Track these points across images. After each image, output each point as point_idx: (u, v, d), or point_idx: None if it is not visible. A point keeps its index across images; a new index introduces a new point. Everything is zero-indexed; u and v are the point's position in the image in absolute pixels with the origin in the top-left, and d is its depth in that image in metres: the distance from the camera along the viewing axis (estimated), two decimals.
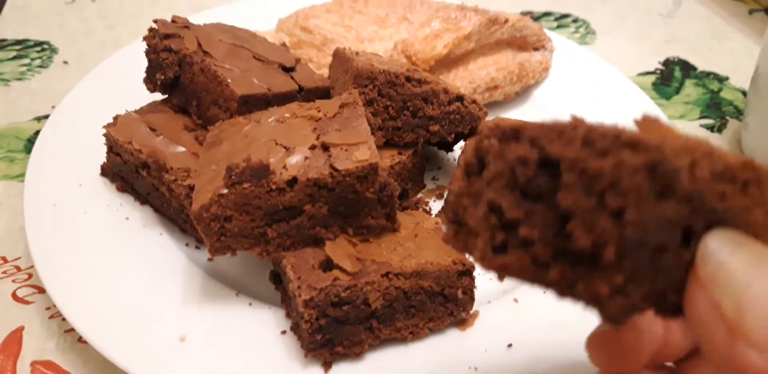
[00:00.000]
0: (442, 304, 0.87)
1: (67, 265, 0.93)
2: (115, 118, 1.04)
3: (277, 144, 0.85)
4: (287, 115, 0.91)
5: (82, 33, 1.60)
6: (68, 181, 1.06)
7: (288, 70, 1.09)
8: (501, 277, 0.48)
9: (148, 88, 1.09)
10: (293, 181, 0.81)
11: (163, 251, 0.98)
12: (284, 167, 0.82)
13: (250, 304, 0.91)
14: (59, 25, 1.63)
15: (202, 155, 0.89)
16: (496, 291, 0.98)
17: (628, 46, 1.64)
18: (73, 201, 1.03)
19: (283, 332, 0.87)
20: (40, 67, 1.48)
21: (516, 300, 0.96)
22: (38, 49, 1.54)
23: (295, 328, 0.86)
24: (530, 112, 1.33)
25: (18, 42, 1.56)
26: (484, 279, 0.97)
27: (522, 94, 1.37)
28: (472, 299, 0.89)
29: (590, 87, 1.35)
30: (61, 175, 1.06)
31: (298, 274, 0.81)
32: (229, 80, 0.98)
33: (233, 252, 0.86)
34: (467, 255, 0.98)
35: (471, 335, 0.90)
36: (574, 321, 0.89)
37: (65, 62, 1.50)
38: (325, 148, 0.84)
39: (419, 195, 1.15)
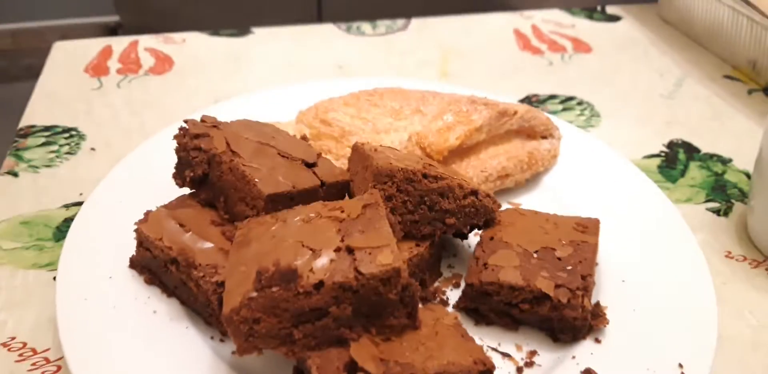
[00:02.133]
0: None
1: (95, 358, 0.95)
2: (146, 214, 1.09)
3: (303, 246, 0.90)
4: (312, 215, 0.96)
5: (108, 119, 1.67)
6: (99, 274, 1.09)
7: (310, 165, 1.14)
8: None
9: (177, 184, 1.15)
10: (320, 284, 0.84)
11: (190, 345, 1.00)
12: (311, 270, 0.85)
13: None
14: (86, 111, 1.70)
15: (231, 255, 0.93)
16: None
17: (633, 128, 1.71)
18: (103, 293, 1.06)
19: None
20: (69, 153, 1.54)
21: None
22: (66, 135, 1.60)
23: None
24: (541, 197, 1.38)
25: (47, 128, 1.63)
26: (498, 372, 0.98)
27: (532, 180, 1.42)
28: None
29: (597, 173, 1.41)
30: (92, 266, 1.10)
31: None
32: (256, 179, 1.03)
33: (260, 351, 0.88)
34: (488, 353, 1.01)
35: None
36: None
37: (93, 149, 1.56)
38: (350, 250, 0.88)
39: (436, 285, 1.18)
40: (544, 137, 1.43)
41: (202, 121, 1.16)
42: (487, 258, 1.08)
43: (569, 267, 1.06)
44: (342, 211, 0.96)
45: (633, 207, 1.31)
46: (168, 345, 1.00)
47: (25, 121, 1.66)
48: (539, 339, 1.08)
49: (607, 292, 1.13)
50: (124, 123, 1.66)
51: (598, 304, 1.09)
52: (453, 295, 1.16)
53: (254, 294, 0.84)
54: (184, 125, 1.14)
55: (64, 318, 1.01)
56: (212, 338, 1.04)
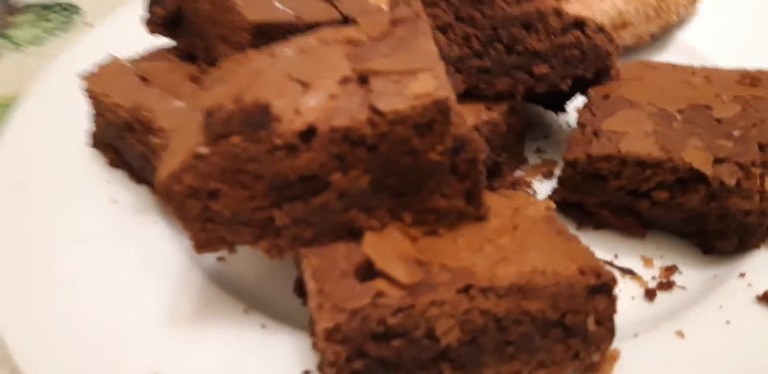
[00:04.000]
0: (562, 341, 0.53)
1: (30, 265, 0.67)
2: (99, 67, 0.77)
3: (292, 79, 0.54)
4: (314, 43, 0.60)
5: None
6: (48, 153, 0.80)
7: None
8: None
9: (149, 30, 0.82)
10: (310, 131, 0.49)
11: (155, 246, 0.70)
12: (297, 111, 0.50)
13: (263, 326, 0.61)
14: None
15: (188, 103, 0.60)
16: (648, 318, 0.62)
17: None
18: (48, 176, 0.77)
19: (306, 373, 0.56)
20: (59, 30, 1.27)
21: (681, 334, 0.59)
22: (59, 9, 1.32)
23: (323, 368, 0.54)
24: (674, 60, 0.94)
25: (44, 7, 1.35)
26: (627, 300, 0.62)
27: (661, 37, 0.99)
28: (611, 333, 0.54)
29: (757, 25, 0.96)
30: (41, 144, 0.81)
31: (321, 284, 0.50)
32: (238, 2, 0.68)
33: (230, 247, 0.56)
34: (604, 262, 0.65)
35: None
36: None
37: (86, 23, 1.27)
38: (364, 80, 0.52)
39: (519, 173, 0.81)
40: None
41: None
42: (599, 124, 0.69)
43: (737, 133, 0.66)
44: (359, 32, 0.59)
45: None
46: (125, 247, 0.71)
47: None
48: (680, 250, 0.71)
49: None
50: None
51: None
52: (543, 189, 0.79)
53: (204, 149, 0.50)
54: None
55: None
56: None
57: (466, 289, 0.50)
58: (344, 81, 0.53)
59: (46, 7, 1.35)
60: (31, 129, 0.83)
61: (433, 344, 0.50)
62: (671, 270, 0.68)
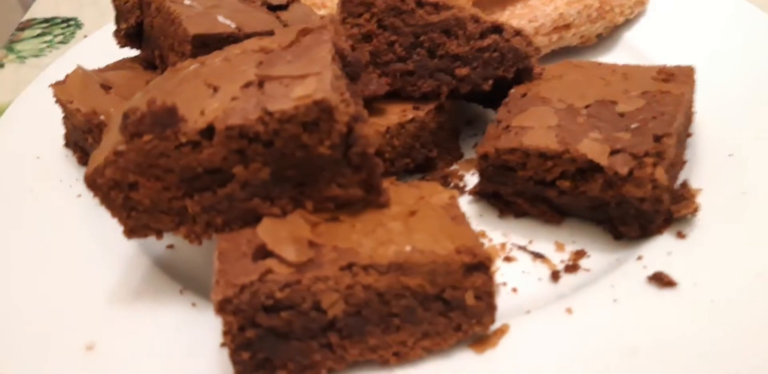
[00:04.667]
0: (443, 314, 0.59)
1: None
2: (67, 76, 0.86)
3: (207, 85, 0.62)
4: (237, 51, 0.67)
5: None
6: (27, 152, 0.89)
7: (276, 8, 0.85)
8: None
9: (118, 41, 0.90)
10: (210, 129, 0.56)
11: (111, 235, 0.77)
12: (202, 112, 0.57)
13: (194, 305, 0.69)
14: (93, 1, 1.51)
15: (123, 107, 0.68)
16: (543, 295, 0.67)
17: None
18: (24, 173, 0.86)
19: (223, 344, 0.63)
20: (61, 43, 1.37)
21: (570, 311, 0.64)
22: (63, 25, 1.43)
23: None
24: (619, 61, 0.97)
25: (46, 20, 1.46)
26: (534, 281, 0.67)
27: (608, 36, 1.02)
28: (490, 307, 0.59)
29: (704, 24, 0.98)
30: (21, 146, 0.90)
31: (223, 265, 0.57)
32: (183, 17, 0.76)
33: (157, 233, 0.63)
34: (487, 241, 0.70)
35: (493, 360, 0.60)
36: (650, 346, 0.57)
37: (86, 36, 1.36)
38: (261, 84, 0.59)
39: (454, 167, 0.86)
40: None
41: None
42: (511, 120, 0.75)
43: (635, 126, 0.70)
44: (273, 42, 0.66)
45: (747, 55, 0.89)
46: (87, 232, 0.79)
47: (29, 15, 1.50)
48: (593, 236, 0.75)
49: (704, 170, 0.76)
50: None
51: (685, 184, 0.73)
52: (473, 181, 0.84)
53: (122, 146, 0.57)
54: None
55: None
56: None
57: (349, 267, 0.56)
58: (247, 85, 0.59)
59: (49, 21, 1.46)
60: (13, 131, 0.93)
61: (320, 315, 0.56)
62: (580, 254, 0.73)
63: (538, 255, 0.74)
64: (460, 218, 0.63)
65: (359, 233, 0.59)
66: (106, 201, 0.60)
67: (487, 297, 0.59)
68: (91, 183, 0.59)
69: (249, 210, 0.60)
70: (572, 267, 0.71)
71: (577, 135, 0.70)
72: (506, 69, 0.80)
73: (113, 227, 0.78)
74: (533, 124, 0.72)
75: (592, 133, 0.70)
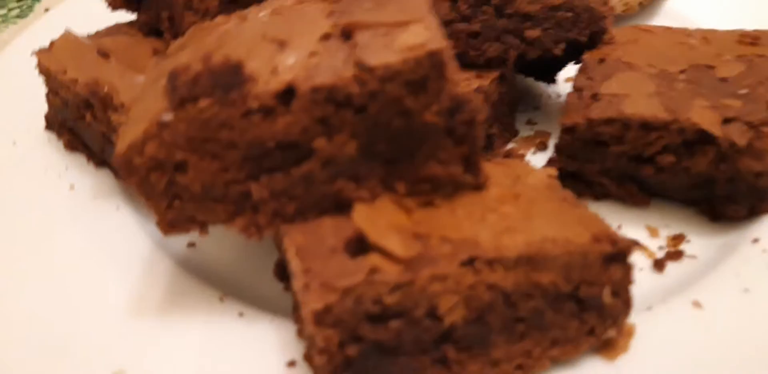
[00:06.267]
0: (576, 316, 0.49)
1: None
2: (52, 43, 0.70)
3: (266, 39, 0.49)
4: (289, 3, 0.55)
5: None
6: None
7: None
8: None
9: (110, 4, 0.76)
10: (289, 91, 0.44)
11: (118, 233, 0.64)
12: (273, 70, 0.45)
13: (241, 314, 0.56)
14: None
15: (148, 71, 0.54)
16: (659, 289, 0.58)
17: None
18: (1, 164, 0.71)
19: (291, 363, 0.51)
20: (18, 17, 1.19)
21: (698, 304, 0.55)
22: None
23: (311, 357, 0.49)
24: None
25: None
26: (636, 272, 0.58)
27: (648, 4, 0.95)
28: (627, 305, 0.50)
29: None
30: None
31: (307, 263, 0.45)
32: None
33: (201, 227, 0.50)
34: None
35: (630, 368, 0.50)
36: None
37: (47, 10, 1.19)
38: (348, 35, 0.46)
39: (511, 145, 0.76)
40: None
41: None
42: (598, 87, 0.65)
43: (744, 92, 0.62)
44: None
45: None
46: (89, 234, 0.64)
47: None
48: (686, 218, 0.66)
49: None
50: None
51: None
52: (536, 162, 0.74)
53: (169, 115, 0.44)
54: None
55: None
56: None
57: (470, 261, 0.45)
58: (325, 37, 0.47)
59: None
60: None
61: (435, 324, 0.45)
62: (679, 239, 0.64)
63: (633, 243, 0.64)
64: (572, 199, 0.53)
65: (468, 221, 0.48)
66: (144, 187, 0.46)
67: (624, 293, 0.49)
68: (125, 164, 0.45)
69: (330, 194, 0.48)
70: (675, 255, 0.63)
71: (682, 103, 0.61)
72: (580, 31, 0.70)
73: (119, 223, 0.66)
74: (628, 92, 0.63)
75: (697, 100, 0.61)
